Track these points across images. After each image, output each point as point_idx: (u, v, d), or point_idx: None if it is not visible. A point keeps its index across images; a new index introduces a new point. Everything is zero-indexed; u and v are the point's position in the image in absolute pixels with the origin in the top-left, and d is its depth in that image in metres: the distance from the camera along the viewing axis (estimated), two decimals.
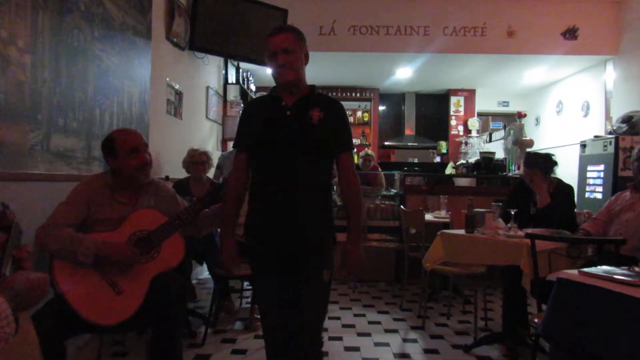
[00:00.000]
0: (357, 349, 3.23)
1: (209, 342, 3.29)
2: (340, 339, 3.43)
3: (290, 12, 5.64)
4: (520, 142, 5.91)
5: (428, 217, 4.45)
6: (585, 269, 1.82)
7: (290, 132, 1.87)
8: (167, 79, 4.31)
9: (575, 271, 1.85)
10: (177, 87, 4.48)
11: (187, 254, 2.33)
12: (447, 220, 4.32)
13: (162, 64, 4.19)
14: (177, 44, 4.52)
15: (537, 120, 8.98)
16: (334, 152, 1.96)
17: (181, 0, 4.58)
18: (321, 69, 7.58)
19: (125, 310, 2.06)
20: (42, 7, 2.40)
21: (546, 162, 3.49)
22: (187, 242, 2.28)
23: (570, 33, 6.31)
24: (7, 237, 1.45)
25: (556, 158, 3.55)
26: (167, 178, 3.75)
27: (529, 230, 2.79)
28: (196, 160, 3.90)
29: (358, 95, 9.15)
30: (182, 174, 4.03)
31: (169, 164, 4.16)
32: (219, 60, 6.29)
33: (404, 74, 7.98)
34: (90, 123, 2.89)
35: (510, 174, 5.96)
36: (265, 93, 2.15)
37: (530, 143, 5.88)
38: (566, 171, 6.02)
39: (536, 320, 2.45)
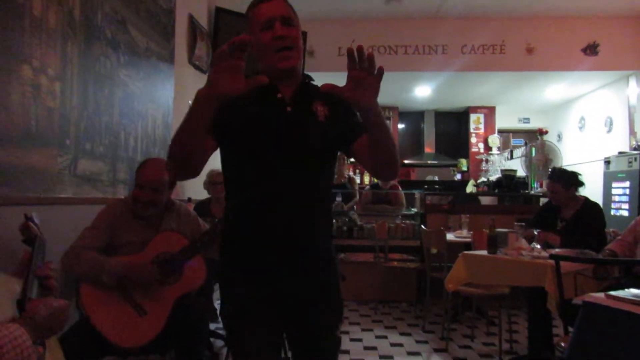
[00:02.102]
0: None
1: None
2: None
3: (309, 34, 5.73)
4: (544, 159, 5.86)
5: (449, 236, 4.41)
6: (613, 292, 1.78)
7: (294, 134, 1.40)
8: (189, 102, 4.39)
9: (601, 294, 1.82)
10: None
11: (209, 276, 2.36)
12: (469, 240, 4.28)
13: (184, 87, 4.28)
14: (199, 67, 4.61)
15: (559, 136, 8.88)
16: (349, 142, 1.47)
17: (203, 25, 4.69)
18: None
19: (149, 333, 2.08)
20: (72, 36, 2.48)
21: (570, 177, 3.46)
22: (209, 264, 2.31)
23: (591, 49, 6.27)
24: (32, 251, 1.48)
25: (582, 178, 3.52)
26: (189, 200, 3.80)
27: (554, 251, 2.76)
28: (215, 180, 3.94)
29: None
30: (204, 194, 4.09)
31: (192, 186, 4.23)
32: None
33: (423, 92, 8.00)
34: (115, 147, 2.96)
35: (532, 192, 5.89)
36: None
37: (542, 160, 5.81)
38: (590, 188, 5.91)
39: (562, 344, 2.40)
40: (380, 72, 1.20)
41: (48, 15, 2.29)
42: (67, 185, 2.46)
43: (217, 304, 4.99)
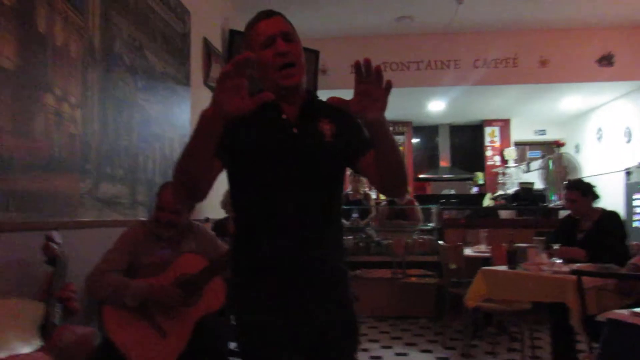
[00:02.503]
0: None
1: None
2: None
3: (321, 53, 5.79)
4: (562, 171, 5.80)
5: (468, 251, 4.39)
6: (638, 309, 1.76)
7: (302, 157, 1.38)
8: None
9: (626, 311, 1.80)
10: None
11: (229, 295, 2.37)
12: (488, 254, 4.25)
13: (200, 108, 4.31)
14: (214, 88, 4.69)
15: (576, 147, 8.78)
16: (356, 159, 1.44)
17: (217, 47, 4.77)
18: None
19: (171, 354, 2.11)
20: (92, 63, 2.55)
21: (587, 186, 3.44)
22: (228, 284, 2.32)
23: (606, 60, 6.23)
24: (53, 272, 1.51)
25: (597, 190, 3.48)
26: (207, 220, 3.83)
27: (575, 266, 2.72)
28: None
29: (391, 129, 9.17)
30: (221, 213, 4.12)
31: (209, 205, 4.26)
32: None
33: (436, 106, 8.00)
34: (134, 170, 3.01)
35: (551, 205, 5.83)
36: None
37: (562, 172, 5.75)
38: (611, 200, 5.84)
39: None
40: (389, 85, 1.18)
41: (69, 44, 2.36)
42: (89, 208, 2.51)
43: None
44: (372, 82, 1.17)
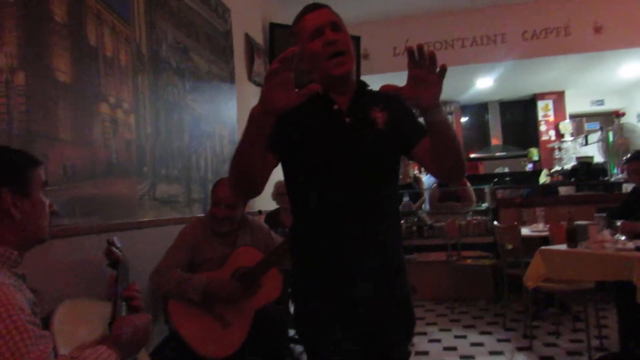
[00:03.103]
0: None
1: None
2: None
3: (362, 37, 5.74)
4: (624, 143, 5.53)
5: (524, 231, 4.27)
6: None
7: (356, 146, 1.36)
8: None
9: None
10: None
11: (284, 286, 2.44)
12: (546, 233, 4.13)
13: (247, 104, 4.42)
14: (258, 83, 4.75)
15: (638, 117, 8.32)
16: (412, 146, 1.42)
17: (259, 42, 4.83)
18: None
19: (234, 344, 2.20)
20: (141, 70, 2.66)
21: None
22: (284, 274, 2.39)
23: None
24: (117, 274, 1.61)
25: None
26: (259, 212, 3.92)
27: None
28: (283, 191, 4.04)
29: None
30: (273, 205, 4.20)
31: (261, 197, 4.36)
32: None
33: (484, 84, 7.77)
34: (188, 169, 3.12)
35: (613, 179, 5.57)
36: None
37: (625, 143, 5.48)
38: None
39: None
40: (443, 70, 1.16)
41: (119, 53, 2.47)
42: (148, 209, 2.63)
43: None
44: (426, 67, 1.14)
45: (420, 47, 1.13)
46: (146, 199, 2.62)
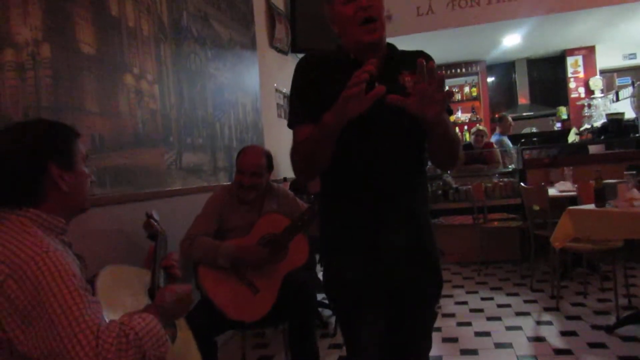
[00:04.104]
0: (487, 334, 3.18)
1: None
2: (469, 324, 3.40)
3: None
4: None
5: (552, 191, 4.21)
6: None
7: (385, 111, 1.30)
8: (275, 85, 4.53)
9: None
10: (284, 90, 4.68)
11: (311, 252, 2.48)
12: (574, 193, 4.06)
13: (269, 71, 4.41)
14: (280, 50, 4.72)
15: None
16: None
17: (279, 7, 4.77)
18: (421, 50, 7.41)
19: (263, 308, 2.25)
20: (163, 40, 2.67)
21: None
22: (310, 240, 2.42)
23: None
24: (156, 245, 1.67)
25: None
26: (285, 179, 3.96)
27: None
28: None
29: (463, 70, 8.81)
30: None
31: (286, 164, 4.39)
32: None
33: (511, 41, 7.54)
34: (213, 138, 3.15)
35: None
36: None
37: None
38: None
39: None
40: (450, 94, 1.24)
41: (141, 24, 2.48)
42: (176, 178, 2.68)
43: (321, 275, 5.20)
44: (433, 86, 1.20)
45: (431, 66, 1.19)
46: (173, 168, 2.67)
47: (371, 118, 1.33)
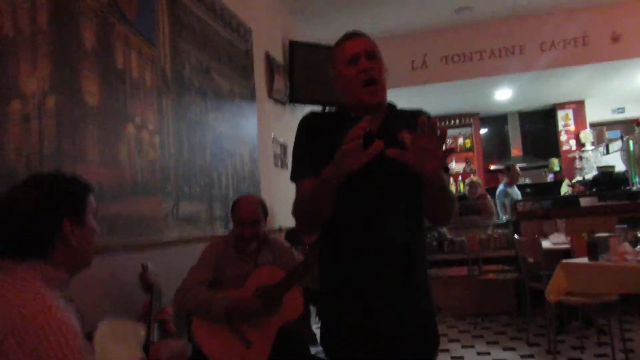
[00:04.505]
0: None
1: None
2: None
3: (381, 51, 5.78)
4: None
5: (545, 244, 4.23)
6: None
7: (384, 166, 1.33)
8: (272, 134, 4.61)
9: None
10: (281, 140, 4.76)
11: (306, 304, 2.46)
12: (568, 246, 4.08)
13: (267, 121, 4.49)
14: (278, 100, 4.83)
15: None
16: None
17: (279, 59, 4.91)
18: (416, 103, 7.53)
19: None
20: (165, 91, 2.74)
21: None
22: (305, 292, 2.41)
23: None
24: (151, 298, 1.67)
25: None
26: (280, 228, 3.97)
27: None
28: None
29: (457, 122, 8.98)
30: (293, 222, 4.24)
31: (281, 213, 4.40)
32: (318, 110, 6.58)
33: (503, 95, 7.75)
34: (210, 187, 3.18)
35: (635, 188, 5.49)
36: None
37: None
38: None
39: None
40: (450, 150, 1.30)
41: (145, 75, 2.55)
42: (172, 227, 2.69)
43: (314, 329, 5.11)
44: (435, 141, 1.24)
45: (433, 123, 1.22)
46: (170, 218, 2.68)
47: (371, 173, 1.34)
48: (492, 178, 9.13)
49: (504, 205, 5.75)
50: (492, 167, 9.05)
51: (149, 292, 1.70)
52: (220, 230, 3.19)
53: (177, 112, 2.85)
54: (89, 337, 1.21)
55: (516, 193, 6.29)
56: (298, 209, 1.45)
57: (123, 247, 2.22)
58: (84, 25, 2.13)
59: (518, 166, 6.70)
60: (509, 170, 6.48)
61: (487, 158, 9.34)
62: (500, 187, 6.41)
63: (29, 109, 1.84)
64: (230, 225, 2.67)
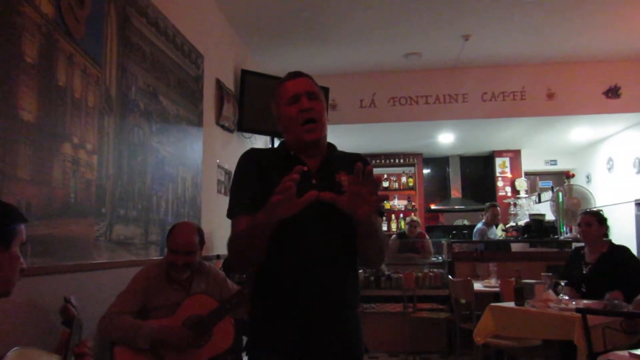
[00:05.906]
0: None
1: None
2: None
3: (331, 88, 5.92)
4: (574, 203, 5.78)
5: (477, 286, 4.38)
6: (636, 351, 1.78)
7: (320, 207, 1.34)
8: (218, 161, 4.58)
9: (626, 353, 1.82)
10: (226, 167, 4.74)
11: (237, 336, 2.42)
12: (498, 289, 4.24)
13: (212, 148, 4.47)
14: (226, 128, 4.82)
15: (588, 177, 8.76)
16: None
17: (229, 87, 4.93)
18: (363, 139, 7.76)
19: None
20: (108, 112, 2.68)
21: (604, 217, 3.50)
22: (237, 324, 2.38)
23: (613, 92, 6.28)
24: (70, 332, 1.60)
25: (609, 223, 3.53)
26: (218, 257, 3.91)
27: (581, 304, 2.73)
28: None
29: (401, 161, 9.25)
30: None
31: (220, 242, 4.34)
32: (265, 139, 6.58)
33: (446, 139, 8.07)
34: (147, 211, 3.11)
35: (562, 237, 5.80)
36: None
37: (578, 204, 5.75)
38: (621, 231, 5.80)
39: None
40: (382, 198, 1.38)
41: (87, 94, 2.50)
42: (103, 250, 2.60)
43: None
44: (368, 188, 1.29)
45: (369, 171, 1.28)
46: (102, 240, 2.59)
47: (305, 215, 1.35)
48: (432, 217, 9.41)
49: None
50: (433, 207, 9.33)
51: (69, 326, 1.63)
52: (155, 255, 3.11)
53: (119, 133, 2.79)
54: None
55: (494, 234, 6.50)
56: (232, 246, 1.46)
57: (47, 270, 2.12)
58: (26, 39, 2.07)
59: (456, 207, 6.94)
60: (487, 210, 6.71)
61: (429, 197, 9.63)
62: (479, 225, 6.64)
63: None
64: (166, 250, 2.61)
